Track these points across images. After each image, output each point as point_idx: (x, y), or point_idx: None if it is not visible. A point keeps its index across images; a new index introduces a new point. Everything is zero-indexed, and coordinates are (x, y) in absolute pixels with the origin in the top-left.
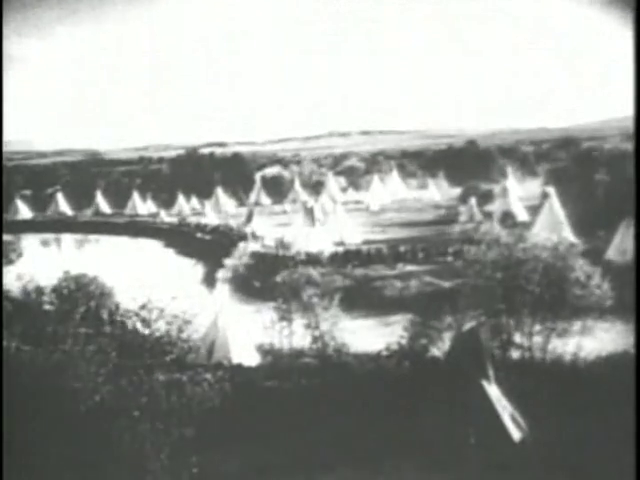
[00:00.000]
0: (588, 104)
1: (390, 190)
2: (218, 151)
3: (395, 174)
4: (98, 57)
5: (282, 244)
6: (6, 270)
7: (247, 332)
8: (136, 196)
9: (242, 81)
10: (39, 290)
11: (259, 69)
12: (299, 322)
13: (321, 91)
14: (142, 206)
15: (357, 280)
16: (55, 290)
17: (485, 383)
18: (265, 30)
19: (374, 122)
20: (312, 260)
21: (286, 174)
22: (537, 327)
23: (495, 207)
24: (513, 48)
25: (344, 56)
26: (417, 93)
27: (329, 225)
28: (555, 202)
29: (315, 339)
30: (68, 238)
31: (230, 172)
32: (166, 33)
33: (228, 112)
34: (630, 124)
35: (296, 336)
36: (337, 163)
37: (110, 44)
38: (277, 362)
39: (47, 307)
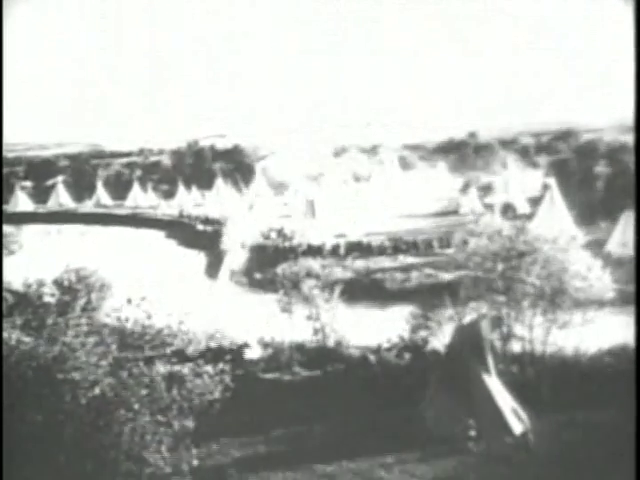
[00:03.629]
0: (589, 102)
1: (391, 182)
2: (219, 142)
3: (396, 166)
4: (98, 52)
5: (283, 236)
6: (7, 261)
7: (248, 324)
8: (137, 187)
9: (243, 74)
10: (40, 282)
11: (260, 60)
12: (300, 314)
13: (322, 84)
14: (143, 197)
15: (358, 272)
16: (56, 282)
17: (486, 375)
18: (265, 25)
19: (375, 114)
20: (313, 252)
21: (286, 166)
22: (538, 319)
23: (496, 199)
24: (513, 47)
25: (345, 50)
26: (418, 89)
27: (330, 217)
28: (556, 194)
29: (316, 331)
30: (69, 229)
31: (231, 163)
32: (166, 30)
33: (229, 104)
34: (630, 115)
35: (297, 328)
36: (338, 155)
37: (110, 39)
38: (278, 354)
39: (48, 299)
